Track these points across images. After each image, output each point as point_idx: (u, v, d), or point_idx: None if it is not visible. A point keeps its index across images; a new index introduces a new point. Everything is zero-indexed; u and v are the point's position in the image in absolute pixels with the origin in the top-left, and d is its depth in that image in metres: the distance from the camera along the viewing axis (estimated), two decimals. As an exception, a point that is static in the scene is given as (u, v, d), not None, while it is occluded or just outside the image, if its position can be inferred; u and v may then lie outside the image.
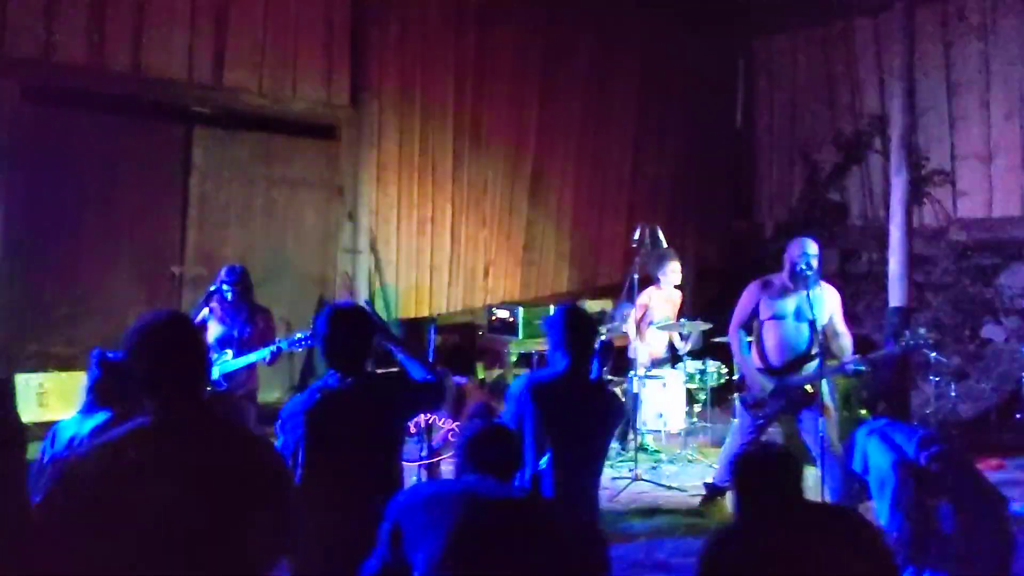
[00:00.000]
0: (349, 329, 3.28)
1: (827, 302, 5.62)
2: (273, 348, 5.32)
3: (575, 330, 3.62)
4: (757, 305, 5.66)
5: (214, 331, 5.50)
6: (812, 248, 5.53)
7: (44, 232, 7.21)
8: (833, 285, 5.93)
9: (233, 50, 8.01)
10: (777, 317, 5.56)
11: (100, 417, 3.64)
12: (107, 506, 1.99)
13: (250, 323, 5.56)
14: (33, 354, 7.01)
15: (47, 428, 6.29)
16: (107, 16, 7.38)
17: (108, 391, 3.69)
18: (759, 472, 2.78)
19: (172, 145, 7.89)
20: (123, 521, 1.98)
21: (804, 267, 5.44)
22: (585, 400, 3.59)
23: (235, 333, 5.51)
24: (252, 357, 5.39)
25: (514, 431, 3.01)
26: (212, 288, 5.52)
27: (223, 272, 5.61)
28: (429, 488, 2.79)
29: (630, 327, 7.61)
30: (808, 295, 5.39)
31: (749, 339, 5.85)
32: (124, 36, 7.46)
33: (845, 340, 5.66)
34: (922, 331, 5.41)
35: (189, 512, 2.02)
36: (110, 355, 3.86)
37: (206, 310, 5.60)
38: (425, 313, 9.14)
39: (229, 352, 5.45)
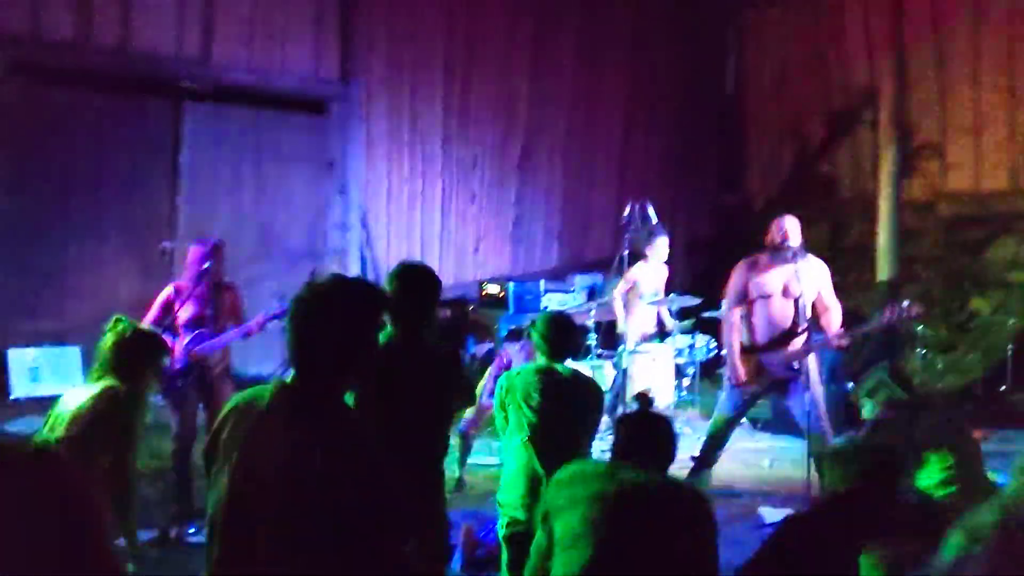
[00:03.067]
0: (413, 287, 3.37)
1: (815, 276, 5.66)
2: (259, 320, 5.23)
3: (553, 330, 3.98)
4: (746, 285, 5.71)
5: (185, 311, 5.29)
6: (792, 223, 5.58)
7: (34, 208, 7.20)
8: (822, 259, 5.97)
9: (222, 25, 7.96)
10: (764, 296, 5.60)
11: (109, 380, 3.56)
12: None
13: (219, 300, 5.47)
14: (25, 330, 7.03)
15: (41, 403, 6.39)
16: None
17: (120, 361, 3.61)
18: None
19: (161, 120, 7.86)
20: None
21: (785, 241, 5.50)
22: (561, 391, 3.89)
23: (208, 312, 5.33)
24: (232, 336, 5.32)
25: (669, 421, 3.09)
26: (206, 266, 5.42)
27: (203, 248, 5.49)
28: (578, 466, 2.89)
29: (618, 303, 7.67)
30: (796, 270, 5.44)
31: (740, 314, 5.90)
32: (112, 11, 7.41)
33: (834, 314, 5.70)
34: (906, 303, 5.45)
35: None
36: (126, 322, 3.75)
37: (170, 288, 5.42)
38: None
39: (203, 332, 5.31)
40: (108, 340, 3.67)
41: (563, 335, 4.01)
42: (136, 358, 3.67)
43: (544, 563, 2.82)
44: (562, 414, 3.82)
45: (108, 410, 3.46)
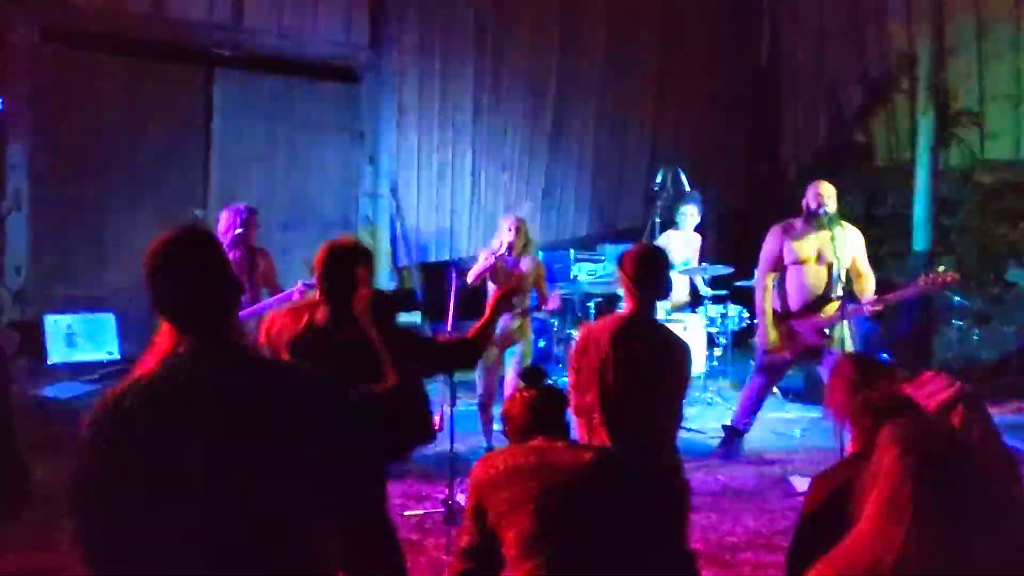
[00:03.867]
0: (337, 262, 3.23)
1: (849, 243, 5.61)
2: (299, 288, 5.25)
3: (642, 271, 3.48)
4: (780, 250, 5.66)
5: None
6: (827, 188, 5.54)
7: (68, 174, 7.27)
8: (857, 228, 5.90)
9: (252, -10, 7.96)
10: (799, 262, 5.56)
11: None
12: (139, 455, 1.74)
13: (253, 266, 5.47)
14: (62, 296, 7.12)
15: (76, 368, 6.48)
16: (126, -42, 7.35)
17: None
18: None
19: (193, 87, 7.89)
20: (159, 471, 1.74)
21: (820, 207, 5.45)
22: (649, 343, 3.45)
23: (244, 278, 5.35)
24: (274, 300, 5.34)
25: (563, 391, 2.92)
26: (238, 231, 5.43)
27: (238, 212, 5.49)
28: (504, 460, 2.67)
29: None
30: (831, 237, 5.38)
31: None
32: (143, -23, 7.43)
33: (867, 281, 5.65)
34: (942, 268, 5.39)
35: (232, 463, 1.78)
36: None
37: None
38: (446, 257, 9.17)
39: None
40: None
41: (652, 273, 3.49)
42: None
43: (486, 570, 2.58)
44: (639, 372, 3.36)
45: None
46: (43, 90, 7.07)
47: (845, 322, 5.41)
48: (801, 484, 5.36)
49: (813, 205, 5.52)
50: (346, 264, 3.22)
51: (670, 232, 7.65)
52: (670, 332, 3.62)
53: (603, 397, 3.36)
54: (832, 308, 5.47)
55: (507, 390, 5.76)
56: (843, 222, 5.63)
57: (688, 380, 3.61)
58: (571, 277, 8.38)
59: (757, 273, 5.86)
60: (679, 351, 3.51)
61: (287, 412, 1.85)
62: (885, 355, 7.85)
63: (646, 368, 3.38)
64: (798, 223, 5.65)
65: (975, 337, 8.59)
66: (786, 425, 6.81)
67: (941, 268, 5.38)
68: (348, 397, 2.07)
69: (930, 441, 1.90)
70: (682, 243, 7.69)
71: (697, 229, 7.82)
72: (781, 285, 5.69)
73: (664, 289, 3.61)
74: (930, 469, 1.81)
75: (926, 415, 2.39)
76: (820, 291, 5.55)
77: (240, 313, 5.21)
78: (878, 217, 10.11)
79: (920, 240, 8.95)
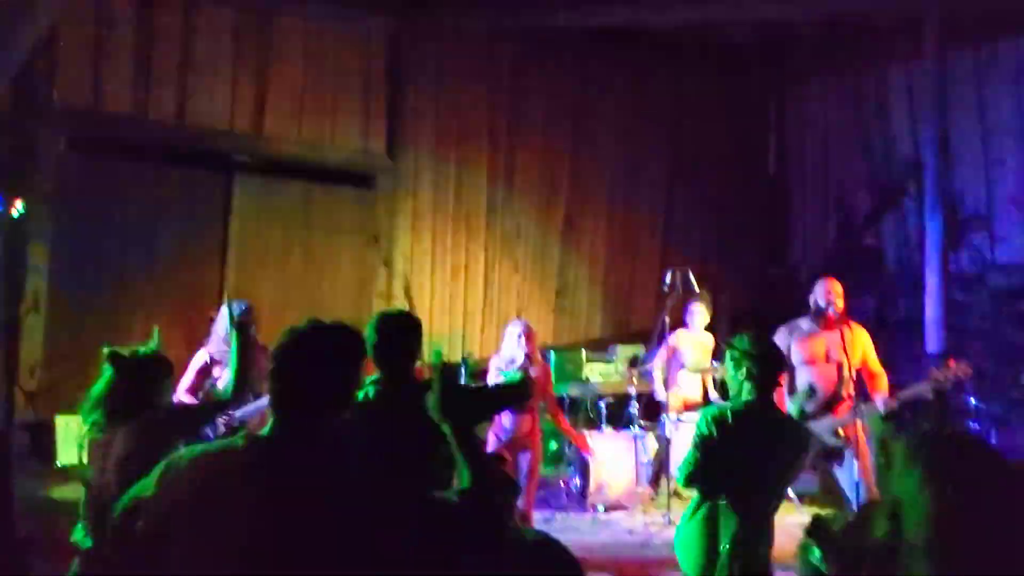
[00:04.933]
0: (396, 335, 3.33)
1: (858, 342, 5.57)
2: None
3: (761, 361, 3.56)
4: (788, 350, 5.63)
5: (227, 374, 5.36)
6: (836, 286, 5.51)
7: (89, 277, 7.40)
8: (869, 331, 5.86)
9: (273, 100, 8.23)
10: (807, 361, 5.52)
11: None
12: (198, 519, 1.86)
13: (257, 363, 5.46)
14: (76, 396, 7.13)
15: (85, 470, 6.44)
16: (152, 68, 7.65)
17: (124, 398, 3.36)
18: None
19: (213, 192, 8.09)
20: (212, 538, 1.84)
21: (829, 304, 5.43)
22: (765, 433, 3.52)
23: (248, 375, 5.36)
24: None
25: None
26: (252, 331, 5.43)
27: (239, 308, 5.52)
28: None
29: (657, 371, 7.59)
30: (840, 336, 5.36)
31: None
32: (168, 87, 7.71)
33: (880, 380, 5.59)
34: (953, 363, 5.32)
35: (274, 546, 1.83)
36: (125, 353, 3.50)
37: (204, 353, 5.43)
38: (458, 358, 9.17)
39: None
40: (114, 377, 3.45)
41: (771, 364, 3.57)
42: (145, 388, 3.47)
43: None
44: (757, 462, 3.43)
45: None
46: (66, 194, 7.27)
47: (859, 422, 5.33)
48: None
49: (822, 303, 5.49)
50: (400, 333, 3.35)
51: (680, 332, 7.65)
52: (792, 423, 3.86)
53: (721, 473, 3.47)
54: (844, 408, 5.41)
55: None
56: (850, 321, 5.60)
57: (796, 471, 3.74)
58: (583, 378, 8.36)
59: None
60: (794, 440, 3.63)
61: (327, 516, 1.87)
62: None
63: (759, 453, 3.48)
64: (804, 322, 5.62)
65: (993, 441, 8.44)
66: (801, 529, 6.65)
67: (952, 364, 5.31)
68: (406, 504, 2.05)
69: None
70: (692, 343, 7.67)
71: (707, 329, 7.83)
72: (791, 385, 5.64)
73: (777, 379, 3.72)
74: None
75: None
76: (831, 391, 5.49)
77: (244, 410, 5.17)
78: (890, 320, 10.09)
79: (933, 343, 8.89)
